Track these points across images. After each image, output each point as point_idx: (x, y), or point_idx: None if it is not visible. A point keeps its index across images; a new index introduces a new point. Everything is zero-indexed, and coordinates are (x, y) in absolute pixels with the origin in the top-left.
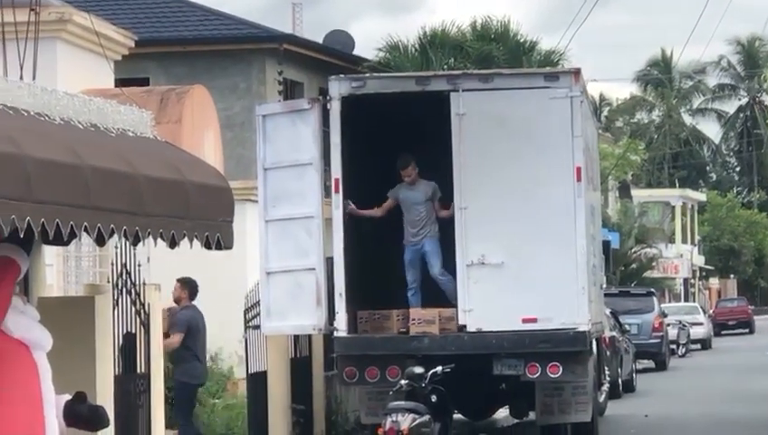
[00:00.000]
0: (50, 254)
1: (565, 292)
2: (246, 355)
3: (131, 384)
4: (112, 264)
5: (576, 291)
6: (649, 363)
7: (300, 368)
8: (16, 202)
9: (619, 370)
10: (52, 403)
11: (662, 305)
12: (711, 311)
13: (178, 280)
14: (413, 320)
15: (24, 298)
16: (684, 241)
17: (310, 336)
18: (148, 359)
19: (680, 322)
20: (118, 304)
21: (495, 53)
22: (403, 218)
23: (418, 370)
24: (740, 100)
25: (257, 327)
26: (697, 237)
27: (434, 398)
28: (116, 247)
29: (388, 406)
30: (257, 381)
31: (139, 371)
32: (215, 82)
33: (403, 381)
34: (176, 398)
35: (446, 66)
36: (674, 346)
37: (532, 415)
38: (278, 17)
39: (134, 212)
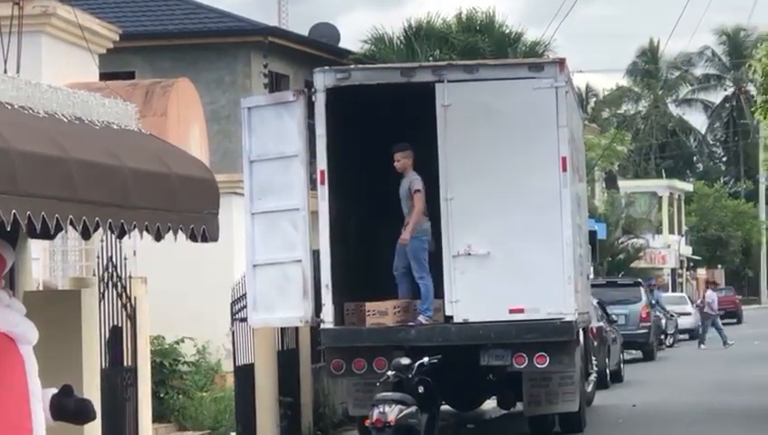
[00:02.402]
0: (36, 248)
1: (552, 282)
2: (234, 348)
3: (118, 378)
4: (98, 257)
5: (562, 281)
6: (637, 354)
7: (287, 360)
8: (2, 195)
9: (607, 360)
10: (39, 397)
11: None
12: (699, 301)
13: None
14: (368, 312)
15: (9, 292)
16: (671, 231)
17: (297, 329)
18: (135, 352)
19: (668, 312)
20: (104, 298)
21: (481, 45)
22: None
23: (405, 361)
24: (726, 90)
25: (244, 320)
26: (684, 228)
27: (421, 389)
28: (102, 241)
29: (375, 397)
30: (245, 374)
31: (125, 364)
32: (200, 76)
33: (390, 373)
34: None
35: (431, 58)
36: (662, 336)
37: (519, 406)
38: (265, 11)
39: (120, 205)
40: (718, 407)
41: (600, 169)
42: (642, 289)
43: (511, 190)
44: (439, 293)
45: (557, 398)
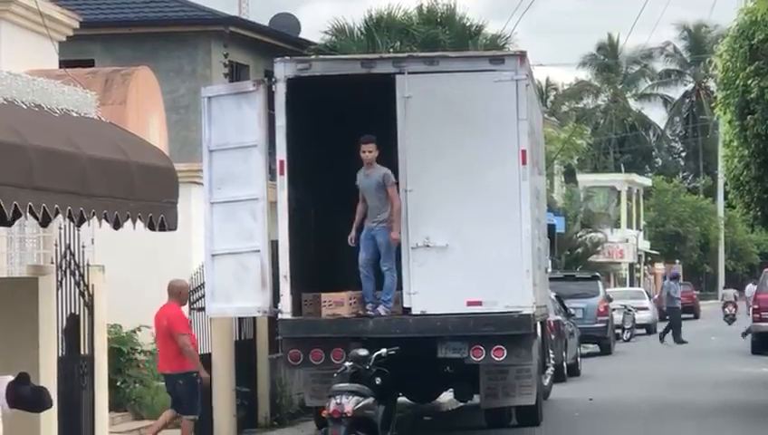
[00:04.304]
0: None
1: (510, 275)
2: None
3: (75, 366)
4: (56, 245)
5: (520, 274)
6: (594, 348)
7: (244, 350)
8: None
9: (564, 353)
10: None
11: (607, 290)
12: (656, 296)
13: None
14: (324, 302)
15: None
16: (629, 226)
17: (254, 319)
18: (92, 341)
19: (625, 306)
20: (61, 286)
21: (441, 37)
22: None
23: (363, 352)
24: (686, 85)
25: (202, 309)
26: (643, 222)
27: (378, 380)
28: (60, 228)
29: (332, 388)
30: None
31: (82, 352)
32: (160, 65)
33: (347, 364)
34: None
35: (391, 49)
36: (619, 331)
37: (476, 398)
38: (225, 0)
39: (78, 193)
40: (674, 402)
41: (560, 162)
42: (600, 283)
43: (470, 182)
44: (398, 284)
45: (514, 391)
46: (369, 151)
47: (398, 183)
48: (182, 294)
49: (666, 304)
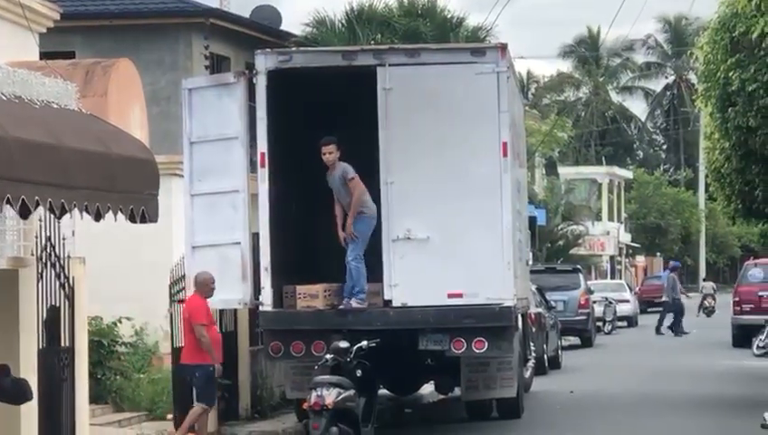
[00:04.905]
0: None
1: (491, 267)
2: (171, 330)
3: (55, 358)
4: (36, 237)
5: (502, 266)
6: (575, 340)
7: (225, 342)
8: None
9: (545, 346)
10: None
11: (588, 282)
12: (637, 288)
13: None
14: (299, 295)
15: None
16: (610, 218)
17: (235, 311)
18: (73, 332)
19: (606, 299)
20: (42, 278)
21: (422, 29)
22: None
23: (344, 344)
24: (667, 78)
25: (183, 301)
26: (624, 215)
27: (359, 372)
28: (40, 220)
29: (313, 380)
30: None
31: (63, 344)
32: (141, 57)
33: (328, 356)
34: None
35: (373, 42)
36: (600, 323)
37: (457, 390)
38: None
39: (59, 184)
40: (654, 394)
41: (541, 155)
42: (581, 275)
43: (451, 174)
44: (378, 276)
45: (495, 383)
46: (329, 153)
47: (379, 175)
48: (206, 286)
49: (669, 296)
